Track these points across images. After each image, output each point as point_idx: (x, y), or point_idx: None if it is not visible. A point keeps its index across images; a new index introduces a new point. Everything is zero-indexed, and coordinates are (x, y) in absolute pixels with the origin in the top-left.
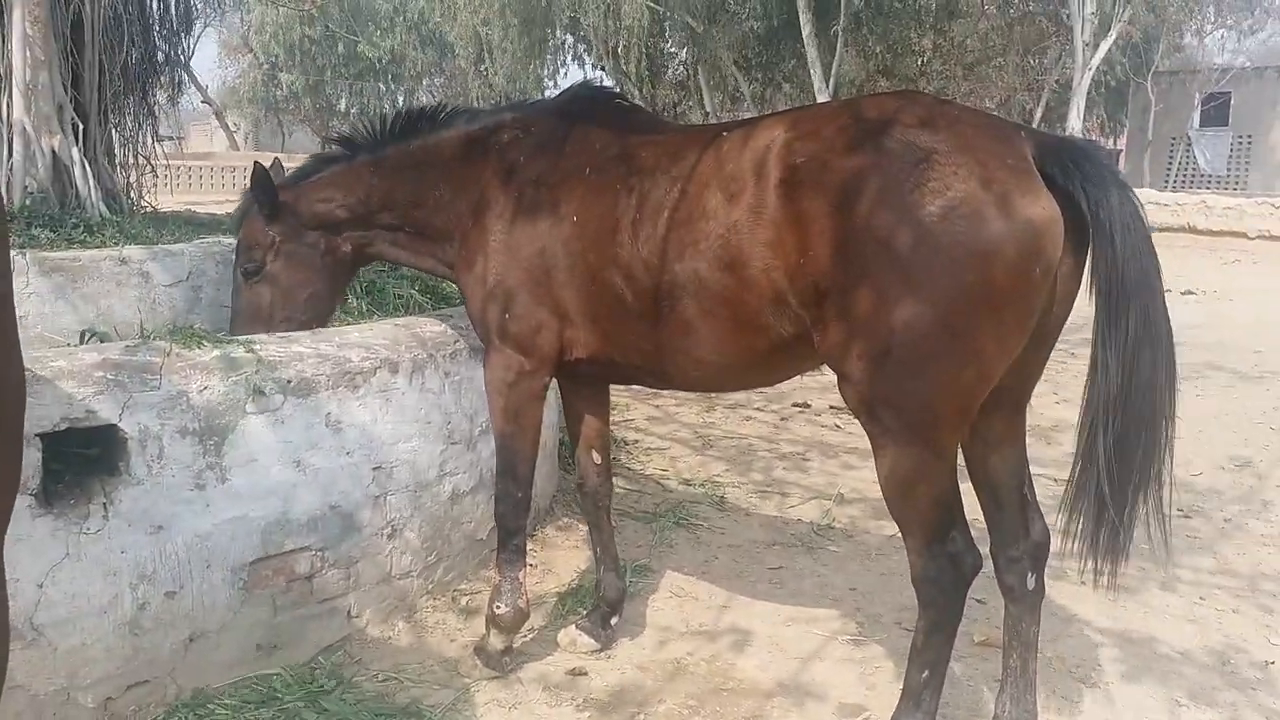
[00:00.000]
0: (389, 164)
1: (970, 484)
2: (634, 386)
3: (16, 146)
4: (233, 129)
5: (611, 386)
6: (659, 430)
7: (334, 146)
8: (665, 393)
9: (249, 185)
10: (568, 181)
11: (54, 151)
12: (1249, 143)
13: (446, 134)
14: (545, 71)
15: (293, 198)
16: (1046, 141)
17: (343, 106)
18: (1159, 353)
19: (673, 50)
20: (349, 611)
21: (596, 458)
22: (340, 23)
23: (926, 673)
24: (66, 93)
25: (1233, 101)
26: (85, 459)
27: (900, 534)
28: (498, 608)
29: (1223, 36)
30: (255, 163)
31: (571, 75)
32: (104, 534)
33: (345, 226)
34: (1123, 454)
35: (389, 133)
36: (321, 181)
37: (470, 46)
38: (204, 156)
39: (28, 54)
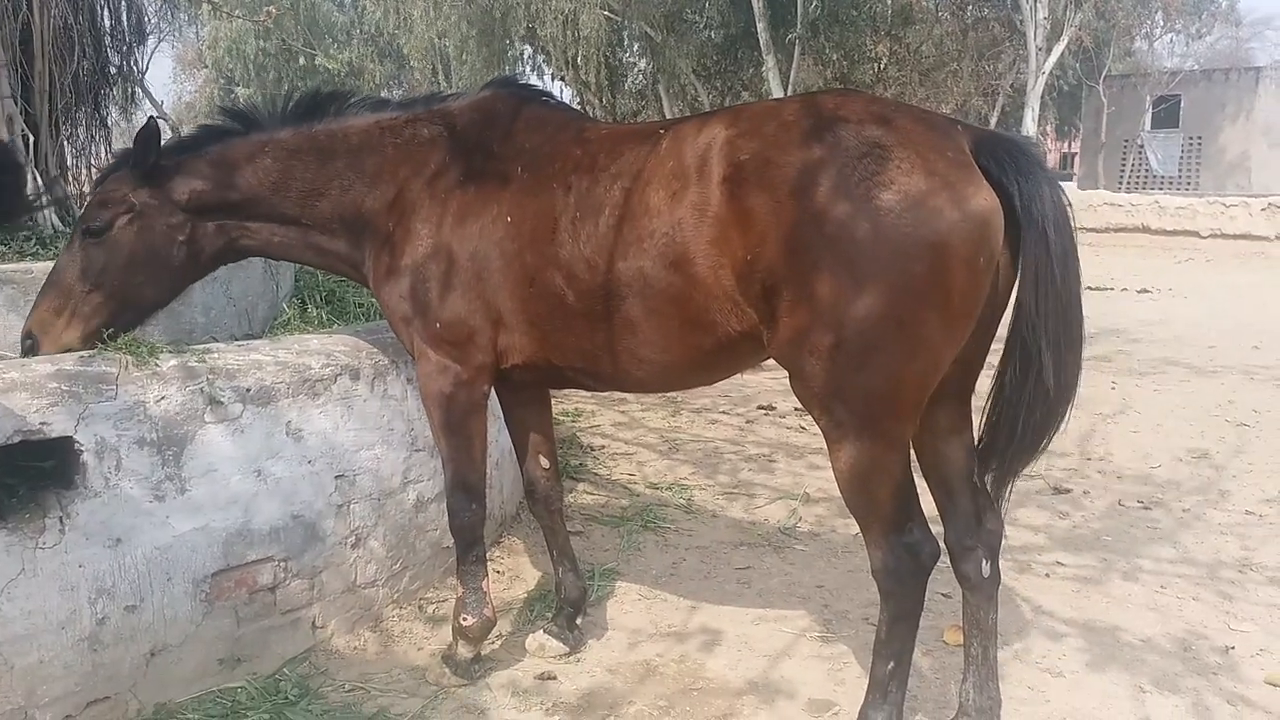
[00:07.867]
0: (287, 146)
1: (921, 476)
2: (594, 392)
3: None
4: None
5: (573, 393)
6: (625, 435)
7: (226, 120)
8: (631, 398)
9: (133, 140)
10: (498, 180)
11: None
12: (1199, 144)
13: (356, 121)
14: None
15: (171, 167)
16: (981, 135)
17: None
18: (1074, 353)
19: (632, 60)
20: (314, 622)
21: (544, 463)
22: (296, 35)
23: (892, 664)
24: (16, 104)
25: (1183, 104)
26: (40, 472)
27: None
28: (464, 619)
29: (1171, 41)
30: (150, 118)
31: None
32: (60, 548)
33: (223, 213)
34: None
35: (290, 112)
36: (208, 157)
37: (428, 59)
38: None
39: None
